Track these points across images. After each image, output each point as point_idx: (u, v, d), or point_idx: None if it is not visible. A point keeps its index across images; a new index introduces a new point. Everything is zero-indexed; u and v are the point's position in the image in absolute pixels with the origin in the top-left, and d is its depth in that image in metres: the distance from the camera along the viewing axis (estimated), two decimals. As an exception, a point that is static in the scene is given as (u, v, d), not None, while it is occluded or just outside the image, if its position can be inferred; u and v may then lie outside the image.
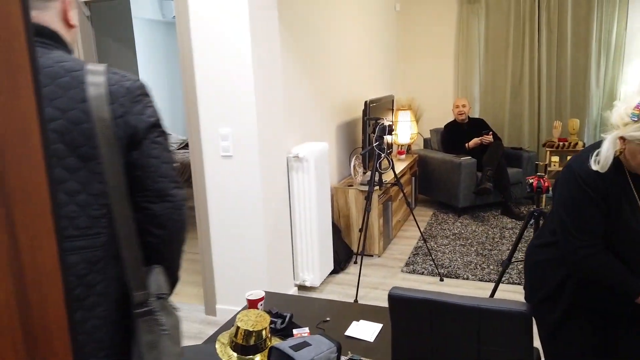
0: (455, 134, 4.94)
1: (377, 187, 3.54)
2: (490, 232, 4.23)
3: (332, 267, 3.43)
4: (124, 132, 0.97)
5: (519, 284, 3.19)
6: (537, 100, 5.34)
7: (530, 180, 2.19)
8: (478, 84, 5.60)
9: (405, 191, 4.60)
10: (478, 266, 3.51)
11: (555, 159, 4.94)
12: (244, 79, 2.58)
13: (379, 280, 3.39)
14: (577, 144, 4.84)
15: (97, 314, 0.96)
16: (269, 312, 1.99)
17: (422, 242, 4.07)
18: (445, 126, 5.08)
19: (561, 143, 4.88)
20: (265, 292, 2.21)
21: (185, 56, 2.66)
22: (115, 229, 0.97)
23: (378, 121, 3.16)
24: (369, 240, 3.79)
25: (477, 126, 4.94)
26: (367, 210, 3.15)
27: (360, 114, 4.54)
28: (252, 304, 2.00)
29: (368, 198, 3.18)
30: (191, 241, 3.92)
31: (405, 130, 5.04)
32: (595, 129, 5.18)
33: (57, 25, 1.00)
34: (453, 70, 5.75)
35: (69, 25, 1.04)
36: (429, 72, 5.87)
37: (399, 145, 5.12)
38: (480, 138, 4.70)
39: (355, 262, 3.72)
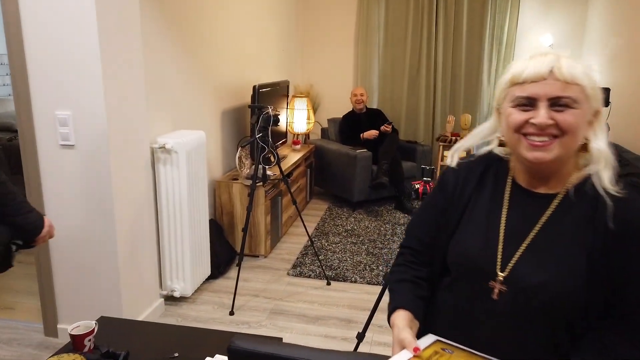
0: (353, 124, 4.76)
1: (260, 183, 3.19)
2: (382, 229, 4.09)
3: (208, 273, 3.04)
4: None
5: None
6: (433, 93, 5.31)
7: (416, 186, 1.98)
8: (377, 73, 5.46)
9: (298, 184, 4.31)
10: (367, 267, 3.33)
11: (448, 153, 4.94)
12: (86, 50, 2.07)
13: (261, 285, 3.07)
14: (468, 139, 4.87)
15: None
16: (97, 351, 1.57)
17: (314, 240, 3.81)
18: (343, 116, 4.88)
19: (454, 138, 4.88)
20: (104, 317, 1.78)
21: (10, 20, 2.08)
22: None
23: (262, 110, 2.80)
24: (255, 239, 3.44)
25: (375, 116, 4.80)
26: (248, 209, 2.80)
27: (250, 99, 4.15)
28: (77, 340, 1.56)
29: (250, 195, 2.82)
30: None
31: (301, 119, 4.74)
32: (486, 125, 5.27)
33: None
34: (353, 58, 5.55)
35: None
36: (329, 59, 5.62)
37: (294, 135, 4.81)
38: (381, 127, 4.60)
39: (238, 265, 3.35)
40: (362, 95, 4.76)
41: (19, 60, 2.12)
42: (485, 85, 5.16)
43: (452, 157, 1.15)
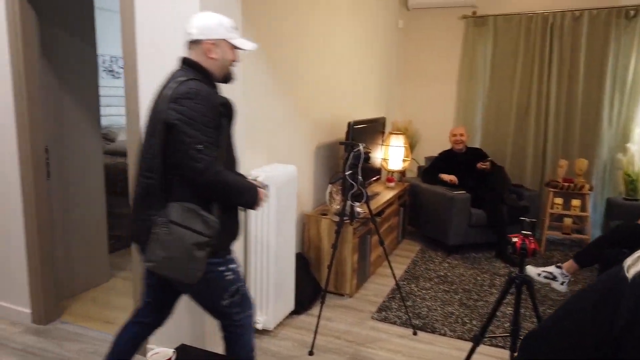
0: (448, 163, 4.56)
1: (347, 221, 3.13)
2: (479, 278, 3.79)
3: (292, 307, 3.00)
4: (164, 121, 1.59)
5: (502, 347, 2.75)
6: (544, 135, 4.92)
7: (514, 239, 1.77)
8: (481, 112, 5.21)
9: (390, 222, 4.19)
10: (459, 320, 3.07)
11: (559, 201, 4.51)
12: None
13: (344, 327, 2.96)
14: (583, 186, 4.41)
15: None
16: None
17: (403, 283, 3.64)
18: (439, 154, 4.70)
19: (566, 184, 4.45)
20: (185, 346, 1.80)
21: (128, 53, 2.29)
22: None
23: (353, 147, 2.76)
24: (341, 277, 3.37)
25: (474, 155, 4.56)
26: (334, 246, 2.74)
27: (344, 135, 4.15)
28: (154, 367, 1.59)
29: (337, 232, 2.77)
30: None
31: (397, 156, 4.64)
32: (605, 171, 4.75)
33: (199, 59, 1.71)
34: (455, 95, 5.37)
35: (210, 58, 1.72)
36: (429, 95, 5.49)
37: (388, 172, 4.72)
38: (478, 165, 4.39)
39: (323, 302, 3.29)
40: (461, 135, 4.56)
41: (133, 94, 2.31)
42: (605, 128, 4.68)
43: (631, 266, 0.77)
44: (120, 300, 3.23)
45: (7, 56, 2.64)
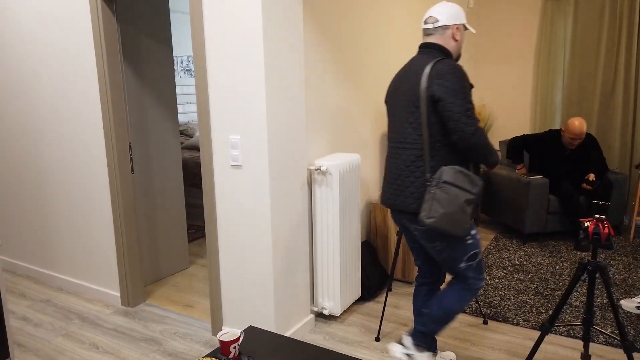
0: (548, 148, 4.22)
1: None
2: (558, 267, 3.60)
3: (359, 294, 3.05)
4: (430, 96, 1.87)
5: (575, 336, 2.60)
6: (633, 113, 4.52)
7: (586, 224, 1.67)
8: (561, 92, 4.89)
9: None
10: (534, 309, 2.95)
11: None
12: (254, 81, 2.29)
13: (411, 314, 2.96)
14: (680, 167, 4.01)
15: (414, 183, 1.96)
16: (240, 358, 1.68)
17: (473, 271, 3.54)
18: (545, 132, 4.30)
19: (659, 166, 4.07)
20: (253, 327, 1.91)
21: (197, 55, 2.43)
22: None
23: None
24: (408, 264, 3.35)
25: (584, 150, 4.15)
26: (398, 234, 2.74)
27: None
28: (223, 346, 1.70)
29: (402, 220, 2.76)
30: (219, 249, 3.73)
31: (468, 142, 4.49)
32: None
33: (444, 42, 2.01)
34: (532, 75, 5.08)
35: (455, 41, 2.02)
36: (504, 76, 5.24)
37: (459, 158, 4.58)
38: (589, 178, 4.02)
39: (391, 290, 3.30)
40: (580, 138, 4.01)
41: (203, 92, 2.45)
42: None
43: None
44: (199, 285, 3.45)
45: (93, 59, 2.90)
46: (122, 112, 2.97)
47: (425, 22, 2.04)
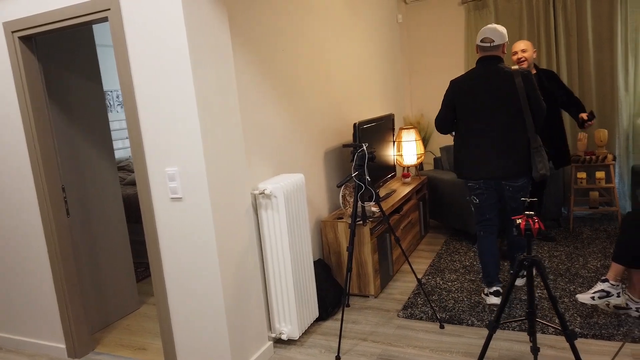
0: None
1: (360, 222, 3.13)
2: (506, 263, 3.72)
3: (316, 314, 3.02)
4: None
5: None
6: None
7: (518, 221, 1.74)
8: (491, 95, 5.11)
9: (410, 218, 4.16)
10: (487, 308, 3.02)
11: (582, 174, 4.38)
12: (186, 110, 2.26)
13: (370, 328, 2.96)
14: (606, 157, 4.27)
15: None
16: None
17: (428, 278, 3.61)
18: None
19: (588, 157, 4.32)
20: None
21: (125, 89, 2.37)
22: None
23: (357, 148, 2.77)
24: (363, 279, 3.36)
25: (550, 80, 3.90)
26: (348, 249, 2.75)
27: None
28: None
29: (350, 235, 2.78)
30: (170, 285, 3.61)
31: (410, 151, 4.61)
32: (628, 139, 4.59)
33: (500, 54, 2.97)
34: (464, 82, 5.29)
35: (503, 54, 2.99)
36: (438, 86, 5.44)
37: (404, 167, 4.69)
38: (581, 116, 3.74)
39: (348, 306, 3.29)
40: (523, 51, 3.71)
41: (135, 126, 2.39)
42: (622, 95, 4.53)
43: None
44: (151, 325, 3.31)
45: (16, 103, 2.77)
46: (52, 155, 2.84)
47: (483, 41, 2.96)
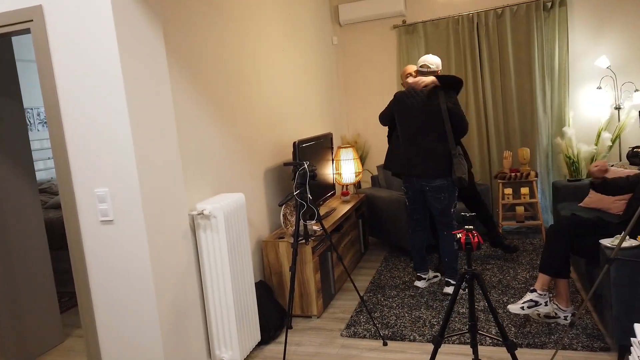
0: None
1: (302, 241, 3.10)
2: (443, 278, 3.82)
3: (259, 338, 2.92)
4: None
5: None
6: (485, 130, 5.08)
7: (458, 235, 1.79)
8: (424, 116, 5.32)
9: (350, 236, 4.18)
10: (427, 323, 3.08)
11: (509, 191, 4.64)
12: (118, 127, 2.14)
13: (314, 349, 2.91)
14: (529, 173, 4.56)
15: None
16: None
17: (370, 295, 3.62)
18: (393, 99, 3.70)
19: (513, 174, 4.59)
20: None
21: (50, 105, 2.21)
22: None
23: (298, 167, 2.75)
24: (306, 299, 3.32)
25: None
26: (291, 269, 2.70)
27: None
28: None
29: (293, 254, 2.73)
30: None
31: (348, 170, 4.66)
32: (548, 157, 4.93)
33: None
34: (398, 103, 5.46)
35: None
36: (373, 106, 5.58)
37: (343, 186, 4.73)
38: None
39: (291, 327, 3.22)
40: (413, 74, 3.69)
41: (60, 144, 2.23)
42: (541, 116, 4.87)
43: None
44: (78, 359, 3.06)
45: None
46: (-37, 175, 2.58)
47: (422, 67, 3.54)
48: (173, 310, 2.36)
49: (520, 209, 4.63)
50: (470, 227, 1.82)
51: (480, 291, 3.16)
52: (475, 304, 3.29)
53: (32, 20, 2.18)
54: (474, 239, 1.79)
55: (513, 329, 2.86)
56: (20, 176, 3.08)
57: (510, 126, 5.01)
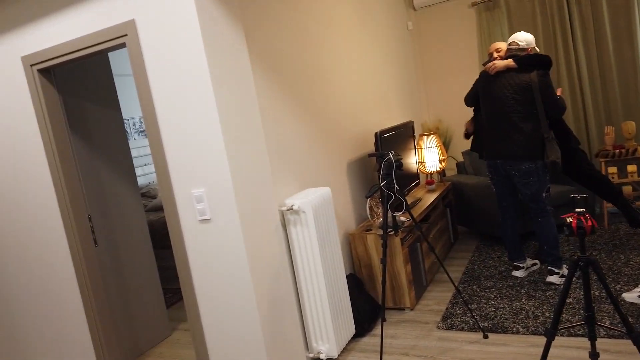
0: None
1: (392, 232, 3.04)
2: (543, 266, 3.58)
3: (353, 331, 2.92)
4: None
5: (581, 335, 2.55)
6: (582, 105, 4.68)
7: (569, 219, 1.65)
8: (510, 95, 5.01)
9: (438, 226, 4.06)
10: (530, 314, 2.90)
11: (613, 169, 4.24)
12: (210, 132, 2.22)
13: (410, 342, 2.85)
14: (636, 149, 4.14)
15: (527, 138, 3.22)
16: None
17: (464, 286, 3.49)
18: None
19: (617, 151, 4.19)
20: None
21: (147, 112, 2.35)
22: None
23: (383, 157, 2.70)
24: (397, 291, 3.26)
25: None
26: (382, 261, 2.66)
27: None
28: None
29: (383, 246, 2.69)
30: (200, 309, 3.54)
31: (432, 157, 4.52)
32: (657, 130, 4.45)
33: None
34: (481, 84, 5.20)
35: None
36: (454, 90, 5.36)
37: (427, 175, 4.60)
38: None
39: (384, 320, 3.19)
40: (498, 51, 3.45)
41: (158, 146, 2.36)
42: (647, 84, 4.40)
43: None
44: (185, 351, 3.25)
45: (39, 135, 2.77)
46: (77, 185, 2.82)
47: (510, 45, 3.33)
48: (270, 303, 2.42)
49: (627, 189, 4.22)
50: (582, 210, 1.66)
51: (597, 279, 2.92)
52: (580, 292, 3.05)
53: (126, 35, 2.32)
54: (587, 222, 1.63)
55: (630, 320, 2.61)
56: (124, 182, 3.32)
57: (611, 99, 4.58)
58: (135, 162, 6.03)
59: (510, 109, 3.21)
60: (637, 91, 4.45)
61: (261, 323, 2.33)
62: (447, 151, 5.40)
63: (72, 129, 2.98)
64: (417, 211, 3.64)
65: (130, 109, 6.02)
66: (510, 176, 3.32)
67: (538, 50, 3.13)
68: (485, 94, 3.38)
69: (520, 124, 3.19)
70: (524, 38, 3.28)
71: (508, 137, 3.24)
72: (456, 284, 3.55)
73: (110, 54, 5.64)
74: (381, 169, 2.72)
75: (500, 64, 3.26)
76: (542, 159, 3.17)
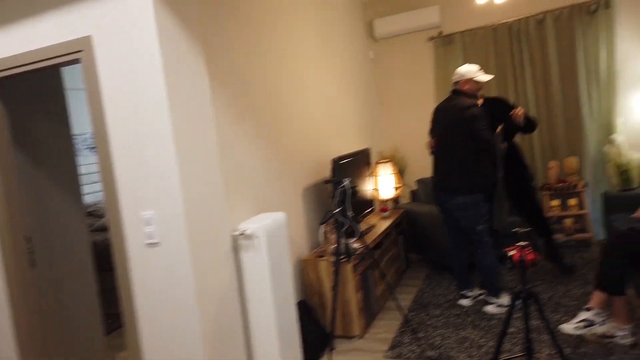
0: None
1: (344, 259, 3.06)
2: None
3: (301, 359, 2.89)
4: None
5: (525, 365, 2.62)
6: (528, 140, 4.92)
7: (510, 253, 1.71)
8: (463, 128, 5.21)
9: (391, 253, 4.11)
10: (474, 343, 2.96)
11: (556, 202, 4.46)
12: (163, 152, 2.18)
13: (358, 370, 2.84)
14: (577, 184, 4.37)
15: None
16: None
17: (413, 314, 3.53)
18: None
19: (559, 185, 4.41)
20: None
21: (98, 130, 2.28)
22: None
23: (338, 184, 2.73)
24: (347, 319, 3.26)
25: (495, 109, 3.60)
26: (334, 288, 2.66)
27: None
28: None
29: (335, 272, 2.69)
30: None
31: (387, 185, 4.60)
32: (596, 166, 4.72)
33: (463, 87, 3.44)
34: (435, 115, 5.38)
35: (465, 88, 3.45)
36: (411, 120, 5.52)
37: (381, 202, 4.67)
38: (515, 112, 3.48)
39: (332, 349, 3.17)
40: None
41: (108, 169, 2.29)
42: (588, 123, 4.67)
43: None
44: (125, 379, 3.10)
45: (-21, 151, 2.63)
46: (15, 203, 2.69)
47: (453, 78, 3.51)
48: (216, 330, 2.36)
49: (568, 221, 4.44)
50: (523, 243, 1.74)
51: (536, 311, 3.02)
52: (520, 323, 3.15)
53: (82, 51, 2.26)
54: (527, 256, 1.70)
55: (568, 349, 2.71)
56: (68, 199, 3.18)
57: (555, 135, 4.84)
58: (85, 179, 5.81)
59: (450, 143, 3.33)
60: (579, 130, 4.72)
61: (204, 350, 2.27)
62: (402, 179, 5.51)
63: (16, 143, 2.85)
64: (370, 238, 3.68)
65: (82, 124, 5.82)
66: (449, 208, 3.43)
67: (478, 78, 3.34)
68: (434, 127, 3.56)
69: (456, 159, 3.30)
70: (457, 71, 3.46)
71: (445, 170, 3.38)
72: (406, 312, 3.59)
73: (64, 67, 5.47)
74: (335, 195, 2.75)
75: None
76: (478, 192, 3.25)
